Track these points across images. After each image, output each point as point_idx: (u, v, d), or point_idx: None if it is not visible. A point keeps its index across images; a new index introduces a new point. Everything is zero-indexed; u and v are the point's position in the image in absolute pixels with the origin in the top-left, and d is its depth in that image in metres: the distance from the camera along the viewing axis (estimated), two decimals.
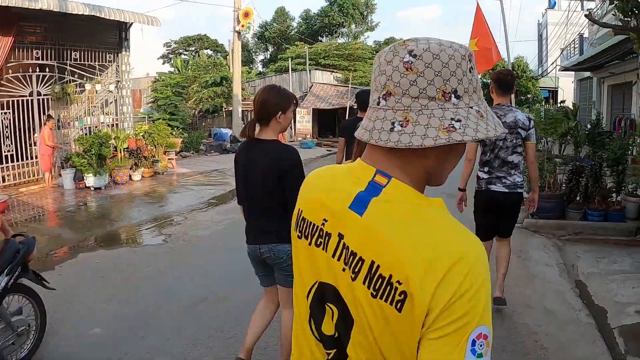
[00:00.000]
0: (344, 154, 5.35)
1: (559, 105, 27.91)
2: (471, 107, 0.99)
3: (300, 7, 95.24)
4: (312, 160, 17.32)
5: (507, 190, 4.54)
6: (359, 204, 1.02)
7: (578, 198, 8.06)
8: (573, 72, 29.71)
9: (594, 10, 24.36)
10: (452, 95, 0.97)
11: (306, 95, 24.73)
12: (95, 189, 11.62)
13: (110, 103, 15.04)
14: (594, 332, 4.58)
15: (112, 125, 14.56)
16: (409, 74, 0.96)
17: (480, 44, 8.50)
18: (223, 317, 4.92)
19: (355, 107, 26.52)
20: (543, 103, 36.12)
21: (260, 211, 3.24)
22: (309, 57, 29.77)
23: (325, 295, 1.10)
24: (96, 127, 14.02)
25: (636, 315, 4.83)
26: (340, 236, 1.05)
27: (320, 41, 45.19)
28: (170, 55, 49.46)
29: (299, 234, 1.16)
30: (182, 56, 43.23)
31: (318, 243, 1.10)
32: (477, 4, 8.78)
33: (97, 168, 11.61)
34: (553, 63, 27.16)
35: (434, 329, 0.90)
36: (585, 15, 8.12)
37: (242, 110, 22.69)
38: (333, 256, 1.05)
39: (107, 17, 13.20)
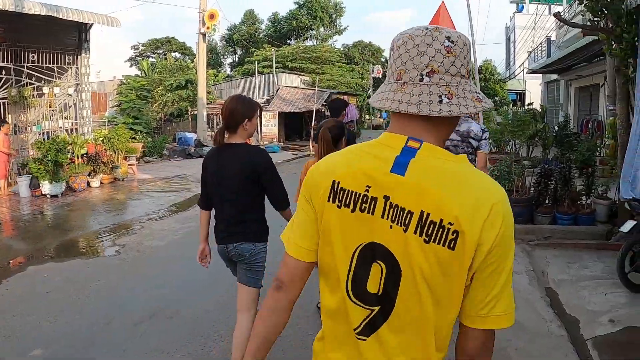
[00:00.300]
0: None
1: (526, 107, 28.11)
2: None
3: (269, 10, 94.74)
4: (277, 164, 16.90)
5: None
6: (399, 166, 1.18)
7: (547, 202, 7.85)
8: (540, 75, 29.96)
9: (562, 13, 24.63)
10: (470, 75, 1.21)
11: (272, 98, 24.31)
12: (52, 196, 11.08)
13: (70, 107, 14.45)
14: (567, 345, 4.37)
15: (72, 130, 14.00)
16: (449, 56, 1.16)
17: None
18: (174, 332, 4.62)
19: (323, 110, 26.70)
20: (511, 105, 36.45)
21: (227, 212, 3.43)
22: (276, 60, 29.43)
23: (373, 255, 1.21)
24: (54, 132, 13.44)
25: (609, 325, 4.65)
26: (386, 197, 1.18)
27: (289, 44, 44.96)
28: (138, 58, 48.59)
29: (338, 204, 1.24)
30: (150, 59, 42.30)
31: (362, 208, 1.21)
32: (443, 2, 8.49)
33: (53, 175, 11.08)
34: (521, 66, 27.20)
35: (486, 264, 1.13)
36: (554, 15, 7.97)
37: (208, 114, 22.20)
38: (382, 217, 1.18)
39: (65, 18, 12.64)
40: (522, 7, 42.44)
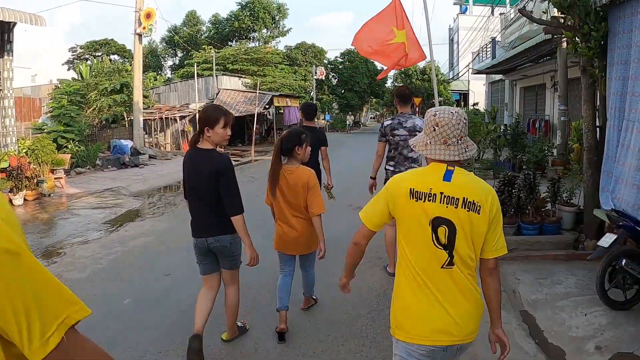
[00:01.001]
0: None
1: (472, 107, 28.08)
2: None
3: (213, 11, 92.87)
4: None
5: None
6: (447, 177, 2.25)
7: (510, 211, 7.27)
8: (485, 75, 30.01)
9: (507, 13, 24.62)
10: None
11: (212, 102, 23.19)
12: None
13: None
14: None
15: None
16: (465, 127, 2.29)
17: (410, 34, 7.63)
18: None
19: (264, 113, 25.94)
20: (455, 106, 36.44)
21: (204, 209, 3.85)
22: (217, 62, 28.30)
23: (439, 223, 2.26)
24: None
25: (597, 354, 4.13)
26: (442, 193, 2.24)
27: (230, 46, 43.72)
28: (76, 61, 46.34)
29: (415, 199, 2.28)
30: (89, 62, 40.29)
31: (429, 199, 2.25)
32: None
33: None
34: (467, 66, 27.09)
35: (494, 224, 2.30)
36: (519, 10, 7.47)
37: (145, 120, 20.95)
38: (441, 203, 2.24)
39: None
40: (466, 8, 42.92)
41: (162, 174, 14.52)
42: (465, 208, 2.23)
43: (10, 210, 1.07)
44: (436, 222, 2.25)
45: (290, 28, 62.63)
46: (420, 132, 4.90)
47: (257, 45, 44.12)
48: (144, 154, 18.18)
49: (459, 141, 2.25)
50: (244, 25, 47.19)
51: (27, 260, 1.02)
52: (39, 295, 1.01)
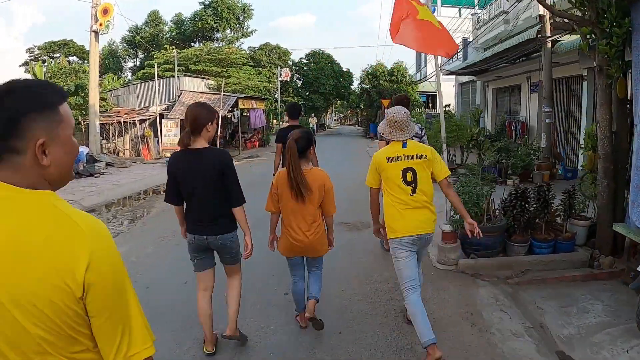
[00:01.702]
0: (282, 158, 6.56)
1: (444, 109, 27.50)
2: None
3: (175, 11, 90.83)
4: None
5: None
6: (404, 146, 4.15)
7: (520, 227, 6.44)
8: (454, 77, 29.54)
9: (481, 14, 24.06)
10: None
11: (174, 104, 21.81)
12: None
13: None
14: None
15: None
16: (409, 119, 4.23)
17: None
18: None
19: (229, 115, 24.71)
20: (423, 107, 36.02)
21: (206, 208, 3.91)
22: (179, 62, 26.87)
23: (406, 171, 4.06)
24: None
25: None
26: (403, 154, 4.11)
27: (193, 46, 42.22)
28: (33, 63, 44.19)
29: (390, 162, 4.10)
30: (45, 63, 38.29)
31: (397, 160, 4.09)
32: None
33: None
34: (441, 68, 26.33)
35: (435, 162, 4.20)
36: (538, 1, 6.71)
37: (102, 124, 19.51)
38: (404, 160, 4.09)
39: None
40: (434, 9, 42.54)
41: (119, 184, 13.18)
42: (417, 159, 4.09)
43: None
44: (404, 171, 4.05)
45: (255, 29, 61.32)
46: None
47: (220, 45, 42.52)
48: (101, 161, 16.83)
49: (407, 128, 4.16)
50: (207, 26, 45.58)
51: (132, 291, 1.37)
52: (133, 322, 1.35)
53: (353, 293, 5.52)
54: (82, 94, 19.84)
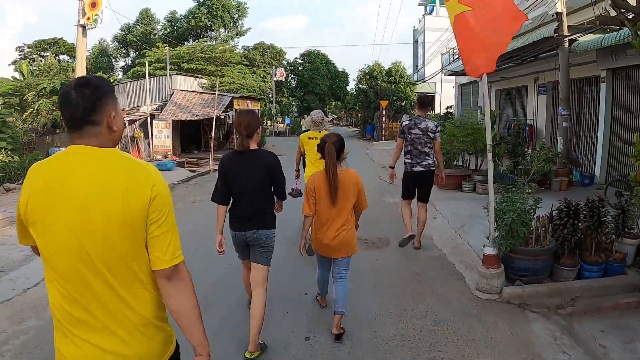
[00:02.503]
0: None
1: (446, 110, 26.70)
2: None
3: (168, 9, 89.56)
4: (172, 187, 13.40)
5: (423, 169, 6.90)
6: (319, 132, 6.77)
7: (569, 248, 5.59)
8: (454, 78, 28.79)
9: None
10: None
11: (165, 104, 20.78)
12: None
13: None
14: None
15: None
16: (323, 118, 6.93)
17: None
18: None
19: (223, 116, 23.81)
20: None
21: (252, 205, 4.19)
22: (171, 61, 25.80)
23: (318, 145, 4.66)
24: None
25: None
26: (318, 137, 6.60)
27: (186, 45, 41.10)
28: (22, 61, 43.05)
29: (311, 139, 6.68)
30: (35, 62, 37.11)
31: (315, 139, 6.43)
32: None
33: None
34: (442, 69, 25.68)
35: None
36: None
37: None
38: (318, 139, 5.96)
39: None
40: (433, 9, 41.88)
41: None
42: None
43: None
44: (317, 145, 4.55)
45: (249, 28, 60.34)
46: (432, 133, 6.75)
47: (214, 44, 41.26)
48: None
49: (322, 123, 6.81)
50: (201, 24, 44.56)
51: (173, 207, 2.00)
52: (176, 231, 1.97)
53: (388, 336, 4.56)
54: None
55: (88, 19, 16.55)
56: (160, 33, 48.62)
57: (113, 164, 1.86)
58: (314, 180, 4.38)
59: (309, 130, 7.15)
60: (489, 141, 5.60)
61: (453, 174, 11.29)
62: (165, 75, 22.73)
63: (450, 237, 7.48)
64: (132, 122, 19.60)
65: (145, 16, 51.05)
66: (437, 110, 37.08)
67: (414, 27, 45.16)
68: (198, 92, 22.28)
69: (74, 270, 1.79)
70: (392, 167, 7.31)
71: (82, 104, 1.81)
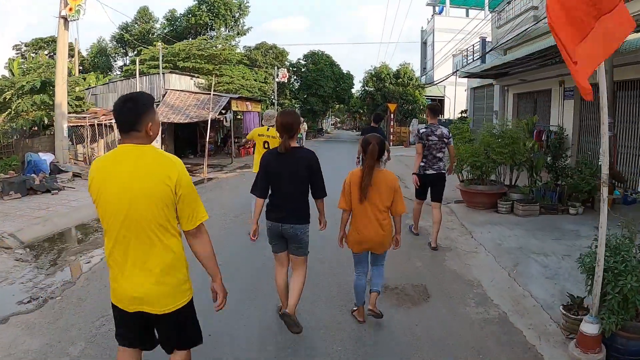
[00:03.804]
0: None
1: (460, 115, 25.01)
2: None
3: (168, 7, 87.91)
4: None
5: (435, 172, 7.34)
6: (267, 130, 8.14)
7: None
8: (466, 80, 27.14)
9: (499, 12, 21.52)
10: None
11: (158, 104, 19.02)
12: None
13: None
14: None
15: None
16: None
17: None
18: None
19: (222, 120, 22.15)
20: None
21: (288, 200, 4.42)
22: (166, 59, 24.04)
23: (265, 141, 8.14)
24: None
25: None
26: (265, 133, 8.14)
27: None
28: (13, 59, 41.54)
29: (260, 135, 8.14)
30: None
31: (263, 136, 8.11)
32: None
33: None
34: (457, 71, 23.98)
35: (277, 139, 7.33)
36: None
37: (76, 127, 16.80)
38: (267, 136, 8.05)
39: None
40: (442, 9, 40.25)
41: (76, 207, 10.03)
42: (271, 137, 7.78)
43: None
44: (264, 142, 7.97)
45: (251, 27, 58.61)
46: (446, 139, 7.34)
47: (212, 40, 39.25)
48: (67, 172, 14.15)
49: (271, 117, 8.18)
50: (201, 22, 42.83)
51: (196, 192, 2.81)
52: (198, 200, 2.77)
53: None
54: (51, 91, 17.09)
55: (70, 9, 14.92)
56: (159, 32, 47.07)
57: (149, 156, 2.68)
58: (351, 177, 4.59)
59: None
60: (605, 170, 3.90)
61: (487, 191, 9.59)
62: (158, 73, 20.93)
63: (506, 285, 5.70)
64: None
65: (144, 14, 49.63)
66: (446, 115, 35.51)
67: (422, 28, 43.56)
68: (193, 92, 20.38)
69: (118, 229, 2.65)
70: (415, 173, 7.51)
71: (128, 118, 2.66)
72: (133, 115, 2.63)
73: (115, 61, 53.46)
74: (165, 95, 19.15)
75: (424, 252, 7.11)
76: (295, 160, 4.36)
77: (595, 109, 14.19)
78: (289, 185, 4.38)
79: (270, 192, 4.50)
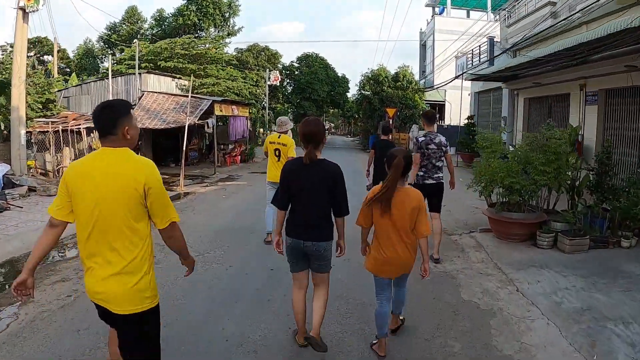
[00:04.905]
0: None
1: (467, 121, 23.13)
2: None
3: (157, 7, 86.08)
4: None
5: (435, 182, 7.21)
6: (279, 137, 7.88)
7: None
8: (469, 84, 25.41)
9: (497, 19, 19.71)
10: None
11: (134, 107, 16.99)
12: None
13: None
14: None
15: None
16: (285, 123, 8.22)
17: None
18: None
19: (202, 125, 20.08)
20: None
21: (311, 214, 4.14)
22: (147, 58, 21.96)
23: (276, 149, 7.84)
24: None
25: None
26: (277, 142, 7.82)
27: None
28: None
29: (272, 144, 7.92)
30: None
31: (273, 144, 7.88)
32: None
33: None
34: (463, 73, 22.19)
35: (289, 148, 7.92)
36: None
37: (41, 132, 14.79)
38: (277, 144, 7.85)
39: None
40: (443, 9, 38.40)
41: (12, 235, 8.18)
42: (282, 145, 7.67)
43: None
44: (275, 149, 7.76)
45: (242, 27, 56.69)
46: (444, 147, 7.27)
47: (197, 39, 36.73)
48: (21, 185, 12.19)
49: (282, 124, 8.02)
50: (189, 22, 40.82)
51: (167, 194, 2.95)
52: (167, 203, 2.91)
53: None
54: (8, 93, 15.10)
55: (29, 0, 13.02)
56: (148, 32, 45.39)
57: (122, 159, 2.81)
58: (373, 192, 4.22)
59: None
60: None
61: (525, 220, 7.69)
62: (135, 73, 18.89)
63: None
64: (91, 130, 15.93)
65: (132, 14, 47.96)
66: (447, 121, 33.74)
67: (420, 29, 41.70)
68: (172, 95, 18.15)
69: (90, 227, 2.78)
70: (411, 184, 6.88)
71: (105, 123, 2.84)
72: (109, 119, 2.84)
73: (102, 62, 51.98)
74: (141, 97, 17.05)
75: (461, 323, 5.03)
76: (320, 172, 4.15)
77: (627, 115, 12.53)
78: (312, 199, 4.15)
79: (290, 205, 4.26)
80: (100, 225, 2.74)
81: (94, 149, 15.60)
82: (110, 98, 17.05)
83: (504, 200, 7.92)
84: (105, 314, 2.91)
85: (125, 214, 2.73)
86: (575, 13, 14.00)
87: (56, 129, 15.33)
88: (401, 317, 4.79)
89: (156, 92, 17.80)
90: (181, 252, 3.15)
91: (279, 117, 8.47)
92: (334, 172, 4.13)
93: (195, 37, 34.42)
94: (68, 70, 45.88)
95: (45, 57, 44.62)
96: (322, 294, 4.32)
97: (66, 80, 26.86)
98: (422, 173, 7.18)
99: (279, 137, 7.86)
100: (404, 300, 4.62)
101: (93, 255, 2.79)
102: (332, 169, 4.15)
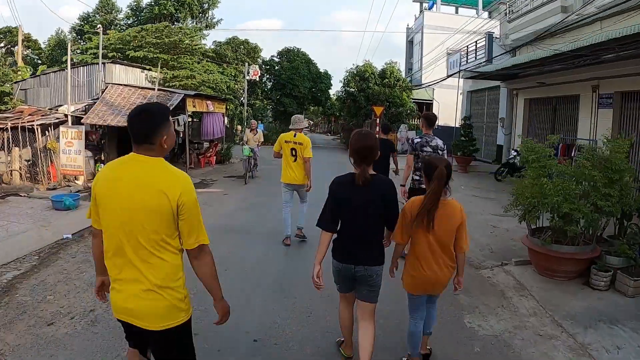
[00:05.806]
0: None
1: (462, 122, 21.61)
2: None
3: None
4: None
5: None
6: (294, 135, 7.80)
7: None
8: (461, 82, 24.06)
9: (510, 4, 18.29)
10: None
11: (95, 101, 14.76)
12: None
13: None
14: None
15: None
16: (300, 120, 8.24)
17: None
18: None
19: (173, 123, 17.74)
20: (417, 119, 30.35)
21: (362, 238, 3.77)
22: (115, 47, 19.94)
23: (293, 148, 7.86)
24: None
25: None
26: (292, 141, 7.80)
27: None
28: None
29: (287, 143, 7.90)
30: None
31: (288, 142, 7.85)
32: None
33: None
34: (459, 72, 20.79)
35: (305, 148, 7.89)
36: None
37: None
38: (293, 144, 7.82)
39: None
40: (433, 4, 36.96)
41: None
42: (299, 144, 7.73)
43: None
44: (292, 149, 7.78)
45: (221, 19, 54.73)
46: (441, 150, 6.95)
47: (170, 27, 34.41)
48: None
49: (299, 121, 7.99)
50: (165, 12, 38.87)
51: (200, 213, 2.67)
52: (199, 224, 2.65)
53: None
54: None
55: None
56: (123, 23, 43.45)
57: (156, 169, 2.58)
58: (411, 205, 3.88)
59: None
60: None
61: (578, 255, 6.11)
62: (98, 63, 16.92)
63: None
64: (47, 126, 14.01)
65: (105, 4, 45.80)
66: (444, 121, 32.39)
67: (407, 25, 40.36)
68: (139, 88, 16.08)
69: (118, 237, 2.58)
70: (403, 185, 7.18)
71: (141, 130, 2.58)
72: (147, 127, 2.59)
73: (75, 54, 49.77)
74: (104, 90, 15.11)
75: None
76: (372, 189, 3.69)
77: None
78: (363, 220, 3.73)
79: (339, 226, 3.84)
80: (132, 238, 2.57)
81: (51, 150, 13.68)
82: (68, 92, 15.31)
83: (554, 227, 6.25)
84: (133, 333, 2.79)
85: (157, 228, 2.56)
86: (588, 5, 12.71)
87: (3, 126, 13.35)
88: (429, 348, 4.45)
89: (122, 85, 15.81)
90: (212, 287, 2.79)
91: (294, 115, 8.33)
92: (385, 188, 3.74)
93: (166, 24, 32.39)
94: (39, 62, 43.89)
95: (15, 48, 42.29)
96: (370, 330, 3.90)
97: (35, 72, 24.86)
98: (417, 177, 7.01)
99: (294, 136, 7.78)
100: (435, 317, 4.38)
101: (121, 270, 2.62)
102: (385, 184, 3.75)
